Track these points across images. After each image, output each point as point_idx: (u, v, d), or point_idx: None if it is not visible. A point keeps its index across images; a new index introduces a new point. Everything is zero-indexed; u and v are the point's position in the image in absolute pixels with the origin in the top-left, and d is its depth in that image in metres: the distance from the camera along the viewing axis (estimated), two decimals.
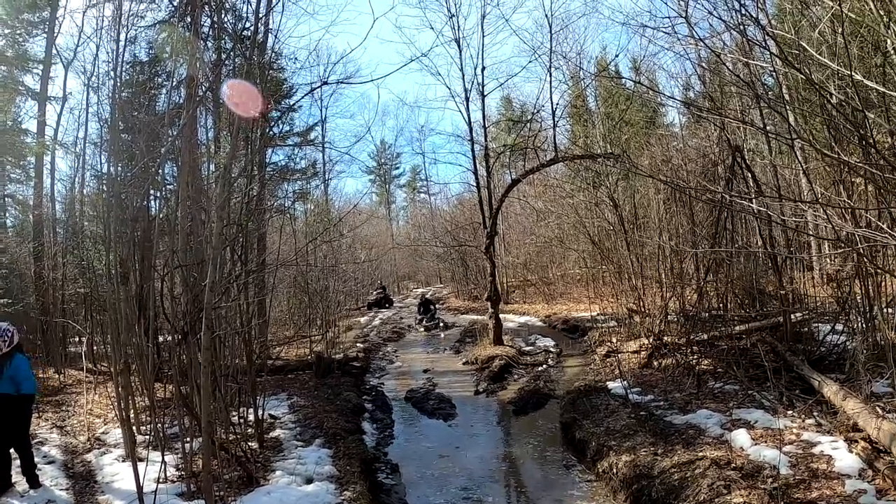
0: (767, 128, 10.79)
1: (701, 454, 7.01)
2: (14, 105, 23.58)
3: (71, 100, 27.21)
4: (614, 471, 7.63)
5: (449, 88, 18.52)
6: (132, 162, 9.69)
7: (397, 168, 71.14)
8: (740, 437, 7.33)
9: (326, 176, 36.09)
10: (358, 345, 20.53)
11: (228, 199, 7.60)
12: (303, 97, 21.24)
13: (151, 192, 12.11)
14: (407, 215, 71.91)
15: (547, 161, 17.45)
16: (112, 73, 11.12)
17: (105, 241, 11.08)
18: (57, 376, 16.39)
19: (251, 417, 9.43)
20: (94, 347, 17.77)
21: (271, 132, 15.65)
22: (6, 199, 26.01)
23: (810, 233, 12.16)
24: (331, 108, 40.46)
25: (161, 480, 6.86)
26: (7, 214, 26.66)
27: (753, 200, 10.01)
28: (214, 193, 8.05)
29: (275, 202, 15.31)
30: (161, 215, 11.13)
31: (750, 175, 11.56)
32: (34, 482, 7.72)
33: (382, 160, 69.16)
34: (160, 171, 9.24)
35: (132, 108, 12.66)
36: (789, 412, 7.90)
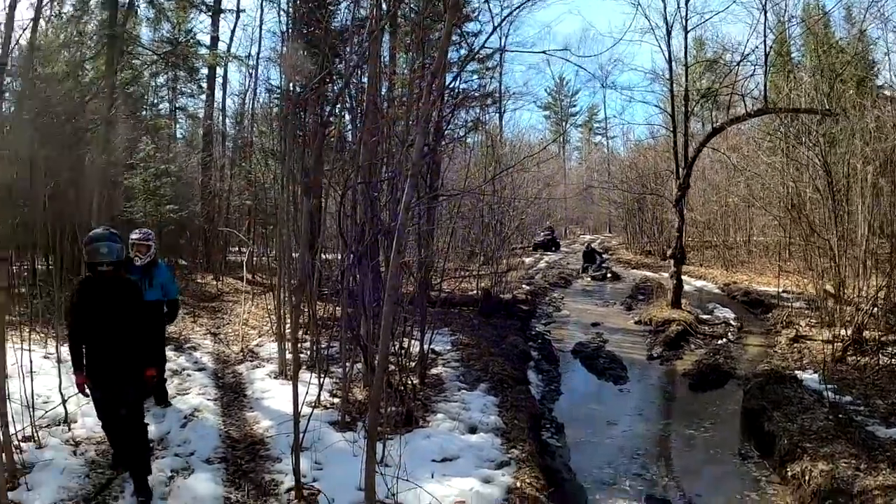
0: None
1: None
2: (186, 20, 25.12)
3: (243, 17, 28.58)
4: (807, 478, 6.88)
5: (648, 19, 17.41)
6: (308, 77, 9.78)
7: (574, 106, 69.39)
8: None
9: (502, 108, 35.85)
10: (524, 286, 20.47)
11: (430, 113, 7.49)
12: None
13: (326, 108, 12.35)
14: (580, 156, 70.31)
15: (755, 111, 16.19)
16: None
17: (280, 154, 11.42)
18: (215, 283, 17.58)
19: (413, 350, 9.33)
20: (255, 259, 18.83)
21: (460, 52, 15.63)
22: (178, 110, 28.10)
23: None
24: (510, 37, 39.63)
25: (314, 405, 6.79)
26: (178, 126, 28.90)
27: None
28: (419, 109, 7.94)
29: (454, 129, 15.27)
30: (334, 131, 11.29)
31: None
32: (163, 398, 7.84)
33: (560, 97, 67.65)
34: (347, 86, 9.27)
35: (310, 22, 12.90)
36: None
